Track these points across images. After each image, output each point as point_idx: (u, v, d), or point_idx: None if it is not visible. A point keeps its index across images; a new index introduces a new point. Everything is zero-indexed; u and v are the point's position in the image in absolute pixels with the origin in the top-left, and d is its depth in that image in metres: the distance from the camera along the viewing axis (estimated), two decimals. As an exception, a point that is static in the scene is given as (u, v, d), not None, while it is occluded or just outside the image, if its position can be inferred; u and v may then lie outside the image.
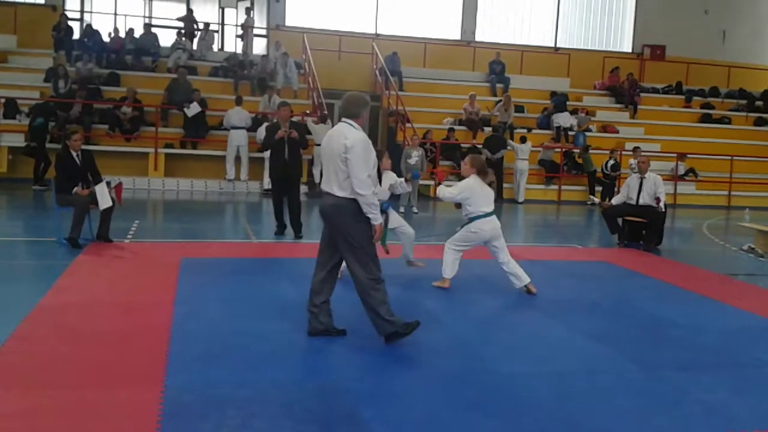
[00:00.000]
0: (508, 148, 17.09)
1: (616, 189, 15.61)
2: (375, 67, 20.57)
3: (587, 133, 19.46)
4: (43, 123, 14.74)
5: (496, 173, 16.38)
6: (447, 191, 7.35)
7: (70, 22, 18.69)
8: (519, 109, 20.01)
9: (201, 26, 20.19)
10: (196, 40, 19.89)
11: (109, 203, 8.71)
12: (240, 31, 20.29)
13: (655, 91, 22.98)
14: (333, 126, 16.48)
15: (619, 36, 24.28)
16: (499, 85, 20.88)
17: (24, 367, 4.66)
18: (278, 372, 4.75)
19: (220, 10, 21.49)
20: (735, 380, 5.04)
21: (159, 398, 4.17)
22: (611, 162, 17.01)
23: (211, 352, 5.06)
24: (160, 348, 5.04)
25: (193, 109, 16.18)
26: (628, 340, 5.93)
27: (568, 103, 20.40)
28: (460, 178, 7.87)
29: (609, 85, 22.41)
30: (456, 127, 18.47)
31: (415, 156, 13.61)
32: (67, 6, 19.96)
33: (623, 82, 21.84)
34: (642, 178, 10.63)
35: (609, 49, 24.00)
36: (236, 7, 21.41)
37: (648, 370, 5.14)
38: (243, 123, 15.99)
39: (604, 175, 17.13)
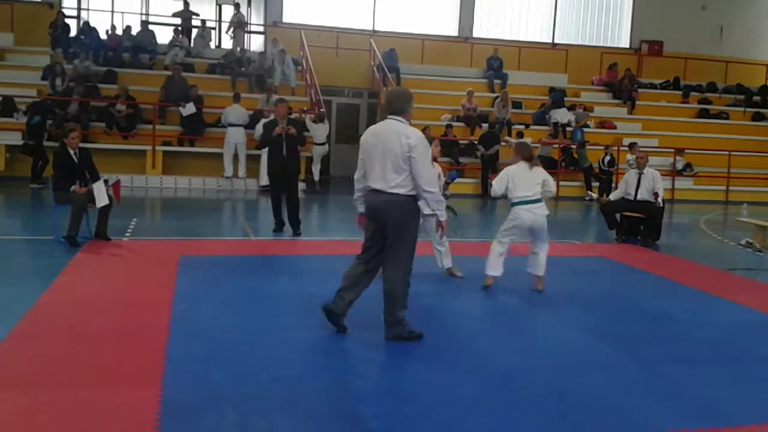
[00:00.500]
0: (503, 144, 17.07)
1: (613, 185, 15.60)
2: (373, 63, 20.55)
3: (585, 129, 19.45)
4: (41, 121, 14.72)
5: (489, 169, 16.59)
6: (493, 187, 7.24)
7: (67, 20, 18.64)
8: (517, 105, 20.00)
9: (198, 22, 20.15)
10: (193, 38, 19.85)
11: (107, 201, 8.70)
12: (230, 28, 20.24)
13: (652, 86, 22.97)
14: (325, 123, 16.44)
15: (617, 31, 24.26)
16: (496, 81, 20.87)
17: (22, 367, 4.66)
18: (277, 370, 4.75)
19: (217, 7, 21.42)
20: (732, 375, 5.05)
21: (158, 397, 4.17)
22: (607, 158, 17.01)
23: (209, 350, 5.07)
24: (158, 346, 5.04)
25: (188, 109, 16.16)
26: (626, 336, 5.94)
27: (565, 98, 20.40)
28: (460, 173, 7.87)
29: (607, 81, 22.41)
30: (454, 124, 18.46)
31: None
32: (64, 3, 19.90)
33: (621, 78, 21.83)
34: (640, 174, 10.64)
35: (606, 44, 23.97)
36: (233, 4, 21.35)
37: (645, 365, 5.15)
38: (241, 120, 15.97)
39: (601, 170, 17.13)
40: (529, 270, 7.23)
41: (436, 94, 20.00)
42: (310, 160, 15.78)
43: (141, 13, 20.55)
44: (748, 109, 22.56)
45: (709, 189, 18.79)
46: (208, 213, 13.13)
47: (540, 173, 7.15)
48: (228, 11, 21.05)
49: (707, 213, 15.61)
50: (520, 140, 7.38)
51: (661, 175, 11.19)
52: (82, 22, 19.24)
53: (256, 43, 21.22)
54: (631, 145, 15.86)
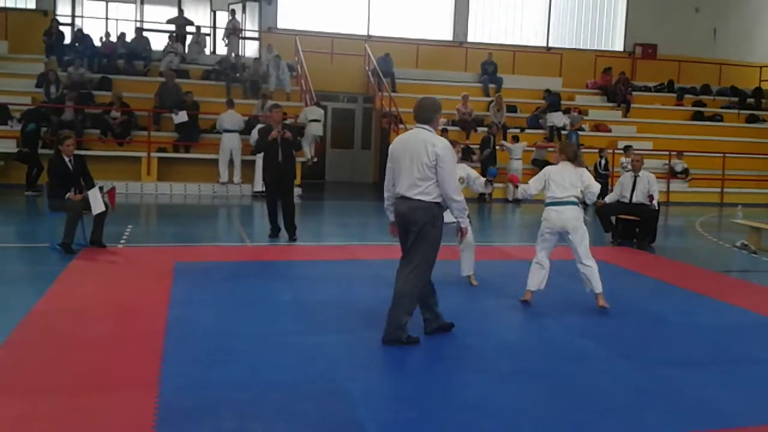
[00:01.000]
0: (498, 147, 17.11)
1: (609, 188, 15.62)
2: (367, 68, 20.57)
3: (580, 132, 19.49)
4: (35, 128, 14.70)
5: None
6: (528, 185, 7.01)
7: (61, 27, 18.63)
8: (511, 108, 20.03)
9: (193, 28, 20.16)
10: (188, 44, 19.86)
11: (102, 208, 8.69)
12: (226, 35, 20.27)
13: (647, 89, 23.04)
14: (320, 108, 16.65)
15: (611, 35, 24.32)
16: (491, 86, 20.91)
17: (18, 373, 4.64)
18: (273, 374, 4.75)
19: (212, 13, 21.45)
20: (728, 377, 5.06)
21: (154, 402, 4.16)
22: (603, 161, 17.04)
23: (205, 355, 5.06)
24: (154, 352, 5.03)
25: (180, 117, 16.17)
26: (622, 338, 5.96)
27: (560, 102, 20.43)
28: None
29: (601, 84, 22.47)
30: (449, 128, 18.47)
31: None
32: (59, 11, 19.91)
33: (616, 81, 21.89)
34: (635, 177, 10.67)
35: (601, 48, 24.04)
36: (228, 10, 21.37)
37: (642, 367, 5.16)
38: (236, 126, 15.97)
39: (598, 174, 17.14)
40: (586, 289, 6.88)
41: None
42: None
43: (135, 20, 20.56)
44: (743, 111, 22.62)
45: (704, 191, 18.83)
46: (203, 219, 13.11)
47: (582, 174, 6.84)
48: (222, 17, 21.07)
49: (702, 215, 15.64)
50: (564, 141, 7.16)
51: (657, 177, 11.22)
52: (75, 30, 19.23)
53: (250, 49, 21.22)
54: (626, 148, 15.88)
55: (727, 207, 17.41)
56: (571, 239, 6.72)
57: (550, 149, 18.58)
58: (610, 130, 20.39)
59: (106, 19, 20.64)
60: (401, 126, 17.45)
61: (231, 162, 15.97)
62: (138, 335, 5.46)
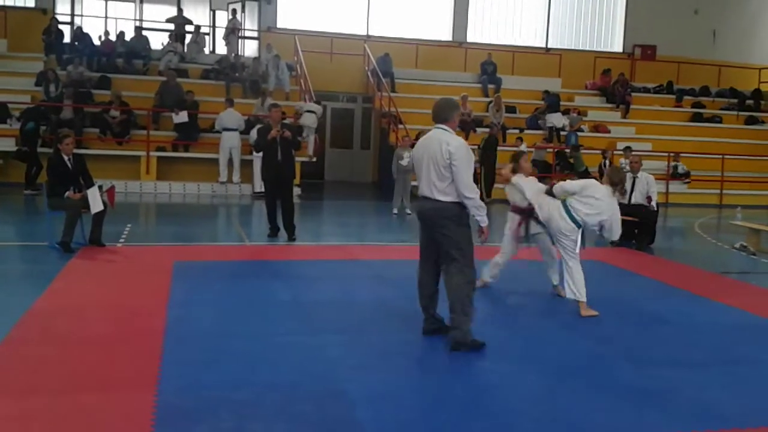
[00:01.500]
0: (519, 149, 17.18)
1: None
2: (367, 68, 20.57)
3: (579, 133, 19.50)
4: (34, 127, 14.69)
5: (489, 173, 16.57)
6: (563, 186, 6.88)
7: (60, 26, 18.61)
8: (511, 109, 20.03)
9: (192, 28, 20.15)
10: (187, 43, 19.85)
11: (101, 207, 8.68)
12: (227, 34, 20.27)
13: (646, 90, 23.05)
14: (320, 104, 16.78)
15: (610, 36, 24.33)
16: (490, 86, 20.91)
17: (16, 372, 4.64)
18: (273, 374, 4.75)
19: (211, 12, 21.45)
20: (727, 377, 5.06)
21: (152, 402, 4.16)
22: (607, 162, 17.03)
23: (204, 355, 5.06)
24: (153, 351, 5.03)
25: (181, 117, 16.18)
26: (621, 338, 5.96)
27: (560, 103, 20.43)
28: None
29: (600, 85, 22.48)
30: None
31: (407, 157, 13.57)
32: (58, 9, 19.89)
33: (614, 82, 21.91)
34: (634, 178, 10.67)
35: (600, 49, 24.04)
36: (227, 10, 21.37)
37: (640, 368, 5.16)
38: (235, 125, 15.95)
39: (602, 174, 17.10)
40: (552, 283, 7.29)
41: (430, 98, 19.79)
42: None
43: (135, 19, 20.54)
44: (741, 113, 22.65)
45: (703, 192, 18.82)
46: (202, 218, 13.11)
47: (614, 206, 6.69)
48: (222, 17, 21.06)
49: (701, 216, 15.65)
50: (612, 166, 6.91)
51: (656, 179, 11.22)
52: (75, 28, 19.21)
53: (250, 49, 21.22)
54: (626, 150, 15.91)
55: (726, 208, 17.41)
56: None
57: (548, 150, 18.61)
58: (609, 131, 20.39)
59: (106, 17, 20.62)
60: (400, 126, 17.46)
61: (230, 161, 15.97)
62: (137, 334, 5.46)
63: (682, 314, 6.83)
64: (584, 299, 6.55)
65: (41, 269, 7.77)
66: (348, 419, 4.11)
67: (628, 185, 10.67)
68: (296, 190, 13.66)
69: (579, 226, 6.59)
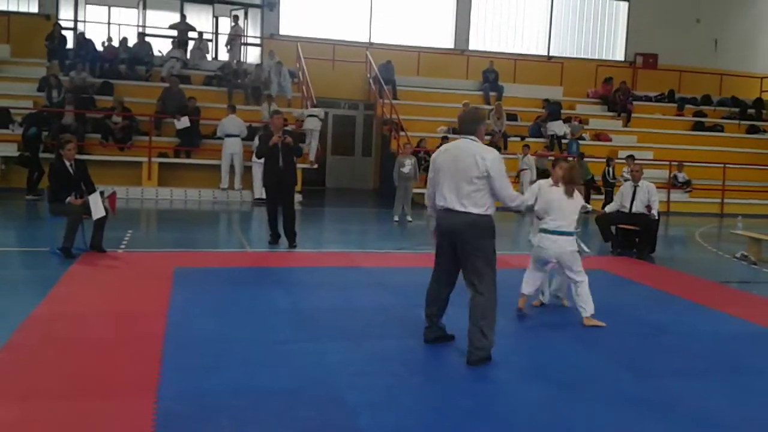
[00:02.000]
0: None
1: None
2: (369, 75, 20.62)
3: (580, 142, 19.52)
4: (37, 132, 14.72)
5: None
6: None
7: (63, 32, 18.67)
8: (512, 117, 20.07)
9: (195, 34, 20.21)
10: (190, 49, 19.91)
11: (103, 213, 8.69)
12: (229, 41, 20.34)
13: (647, 99, 23.08)
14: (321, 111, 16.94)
15: (612, 44, 24.39)
16: (492, 94, 20.95)
17: (17, 377, 4.64)
18: (273, 380, 4.74)
19: (214, 19, 21.51)
20: (728, 387, 5.06)
21: (152, 408, 4.16)
22: (611, 170, 17.03)
23: (204, 361, 5.06)
24: (153, 357, 5.03)
25: (182, 123, 16.22)
26: (622, 348, 5.95)
27: (561, 111, 20.45)
28: None
29: (602, 94, 22.50)
30: (450, 135, 18.46)
31: (408, 164, 13.62)
32: (61, 15, 19.94)
33: (616, 90, 21.93)
34: (635, 186, 10.68)
35: (602, 57, 24.10)
36: (230, 17, 21.45)
37: (641, 378, 5.15)
38: (237, 131, 15.99)
39: (605, 182, 17.11)
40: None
41: (432, 106, 20.06)
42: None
43: (138, 25, 20.60)
44: (743, 122, 22.68)
45: (704, 201, 18.83)
46: (203, 225, 13.11)
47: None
48: (224, 24, 21.13)
49: (702, 225, 15.65)
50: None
51: (657, 187, 11.22)
52: (77, 34, 19.25)
53: (252, 56, 21.27)
54: (628, 158, 15.91)
55: (727, 217, 17.41)
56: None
57: (549, 158, 18.59)
58: (610, 140, 20.42)
59: (109, 23, 20.69)
60: (402, 133, 17.49)
61: (232, 168, 15.99)
62: (137, 340, 5.46)
63: (683, 323, 6.82)
64: (588, 314, 6.55)
65: (42, 275, 7.77)
66: (348, 426, 4.11)
67: (629, 193, 10.71)
68: (297, 197, 13.68)
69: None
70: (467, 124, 5.44)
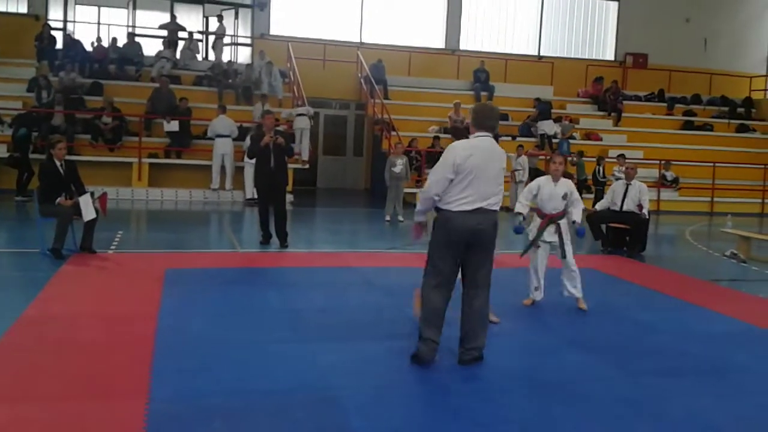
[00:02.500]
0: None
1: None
2: (360, 75, 20.62)
3: (571, 141, 19.58)
4: (26, 133, 14.65)
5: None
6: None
7: (53, 32, 18.59)
8: (503, 116, 20.08)
9: (185, 34, 20.16)
10: (180, 50, 19.86)
11: (93, 215, 8.66)
12: (215, 40, 20.34)
13: (637, 98, 23.18)
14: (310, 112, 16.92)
15: (602, 44, 24.48)
16: (483, 93, 20.99)
17: (7, 379, 4.62)
18: (265, 382, 4.74)
19: (204, 19, 21.46)
20: (718, 386, 5.08)
21: (144, 409, 4.15)
22: (601, 169, 17.08)
23: (196, 362, 5.05)
24: (144, 359, 5.02)
25: (172, 126, 16.19)
26: (612, 347, 5.97)
27: (551, 110, 20.51)
28: None
29: (592, 93, 22.57)
30: (441, 135, 18.53)
31: (399, 164, 13.61)
32: (50, 15, 19.86)
33: (606, 90, 22.00)
34: (627, 185, 10.72)
35: (592, 57, 24.18)
36: (216, 16, 21.42)
37: (631, 376, 5.17)
38: (228, 131, 15.97)
39: (596, 182, 17.16)
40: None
41: (423, 105, 20.09)
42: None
43: (127, 25, 20.53)
44: (732, 121, 22.80)
45: (694, 200, 18.93)
46: (194, 225, 13.08)
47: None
48: (215, 23, 21.08)
49: (692, 224, 15.72)
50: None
51: (647, 186, 11.27)
52: (65, 35, 19.17)
53: (243, 56, 21.23)
54: (620, 157, 15.98)
55: (717, 216, 17.49)
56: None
57: (541, 158, 18.65)
58: (601, 139, 20.49)
59: (98, 24, 20.60)
60: (393, 133, 17.50)
61: (222, 168, 15.97)
62: (128, 342, 5.44)
63: (673, 322, 6.85)
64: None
65: (32, 276, 7.74)
66: (341, 426, 4.11)
67: (620, 192, 10.75)
68: (289, 197, 13.67)
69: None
70: (491, 120, 5.25)
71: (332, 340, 5.74)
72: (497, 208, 5.19)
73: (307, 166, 17.49)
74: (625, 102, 22.15)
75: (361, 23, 22.03)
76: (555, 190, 7.09)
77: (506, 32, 23.57)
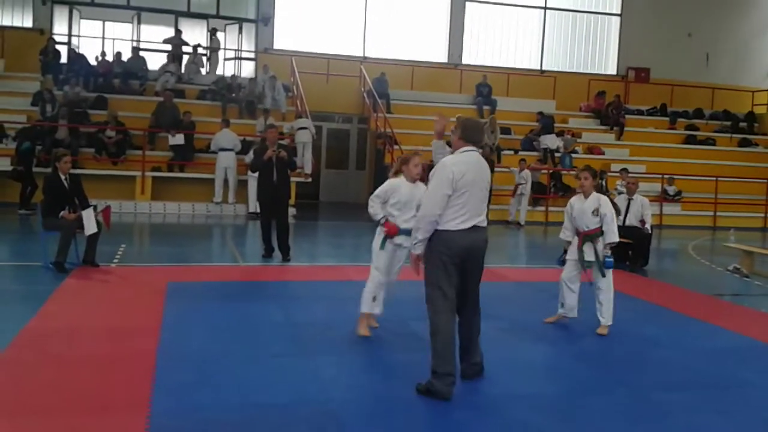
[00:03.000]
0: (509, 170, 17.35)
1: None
2: (363, 89, 20.68)
3: (573, 155, 19.60)
4: (30, 147, 14.71)
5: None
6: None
7: (57, 46, 18.69)
8: (505, 130, 20.13)
9: (189, 49, 20.26)
10: (184, 64, 19.95)
11: (95, 229, 8.69)
12: (210, 54, 20.47)
13: (639, 112, 23.20)
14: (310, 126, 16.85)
15: (604, 58, 24.53)
16: (486, 107, 21.03)
17: (9, 393, 4.62)
18: (266, 396, 4.73)
19: (209, 33, 21.56)
20: (720, 401, 5.06)
21: (145, 423, 4.15)
22: (604, 183, 17.07)
23: (198, 376, 5.04)
24: (146, 373, 5.01)
25: (177, 139, 16.25)
26: (615, 361, 5.96)
27: (554, 125, 20.54)
28: None
29: (594, 108, 22.61)
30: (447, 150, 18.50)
31: (402, 178, 13.60)
32: (55, 30, 19.98)
33: (608, 104, 22.04)
34: (630, 200, 10.72)
35: (594, 71, 24.23)
36: (225, 31, 21.53)
37: (634, 391, 5.16)
38: (231, 145, 16.02)
39: None
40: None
41: (425, 119, 20.05)
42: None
43: (132, 40, 20.64)
44: (735, 135, 22.81)
45: (697, 214, 18.91)
46: (197, 239, 13.10)
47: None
48: (219, 38, 21.18)
49: (695, 239, 15.69)
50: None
51: (650, 200, 11.27)
52: (68, 50, 19.25)
53: (247, 70, 21.32)
54: (622, 171, 15.99)
55: (720, 230, 17.46)
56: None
57: (543, 171, 18.67)
58: (603, 153, 20.49)
59: (103, 38, 20.72)
60: (396, 147, 17.52)
61: (225, 182, 16.00)
62: (130, 355, 5.45)
63: (676, 337, 6.83)
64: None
65: (35, 289, 7.75)
66: (341, 442, 4.10)
67: (623, 206, 10.75)
68: (291, 211, 13.68)
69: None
70: (479, 135, 5.17)
71: (333, 353, 5.74)
72: (486, 224, 5.07)
73: (310, 179, 17.51)
74: (627, 116, 22.17)
75: (364, 38, 22.12)
76: (584, 206, 6.87)
77: (509, 46, 23.64)
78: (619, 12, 24.26)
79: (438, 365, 4.80)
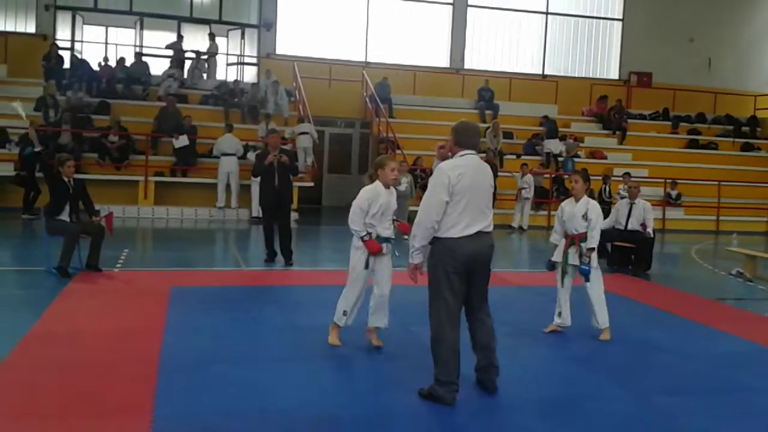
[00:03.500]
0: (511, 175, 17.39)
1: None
2: (365, 94, 20.71)
3: (576, 159, 19.60)
4: (33, 152, 14.74)
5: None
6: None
7: (60, 52, 18.74)
8: (508, 135, 20.14)
9: (192, 54, 20.31)
10: (186, 69, 20.00)
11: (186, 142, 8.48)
12: (208, 58, 20.53)
13: (642, 117, 23.20)
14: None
15: (606, 63, 24.54)
16: (488, 112, 21.05)
17: (13, 397, 4.63)
18: (268, 401, 4.73)
19: (208, 38, 21.61)
20: (723, 405, 5.05)
21: (148, 428, 4.15)
22: (607, 188, 17.08)
23: (200, 381, 5.05)
24: (149, 377, 5.02)
25: (181, 141, 16.28)
26: (617, 366, 5.95)
27: (557, 129, 20.55)
28: None
29: (596, 112, 22.62)
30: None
31: (404, 182, 13.65)
32: (58, 35, 20.03)
33: (610, 109, 22.05)
34: (632, 204, 10.73)
35: (596, 76, 24.24)
36: (227, 36, 21.58)
37: (636, 396, 5.15)
38: (233, 150, 16.04)
39: (602, 201, 17.13)
40: None
41: (428, 124, 20.13)
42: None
43: (135, 45, 20.68)
44: (737, 140, 22.80)
45: (700, 219, 18.89)
46: (199, 243, 13.11)
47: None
48: (221, 43, 21.24)
49: (698, 243, 15.68)
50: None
51: (652, 205, 11.26)
52: (71, 56, 19.30)
53: (249, 75, 21.36)
54: (625, 175, 15.98)
55: (723, 235, 17.45)
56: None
57: (546, 176, 18.67)
58: (605, 158, 20.50)
59: (106, 43, 20.77)
60: (398, 152, 17.53)
61: (228, 186, 16.02)
62: (133, 360, 5.45)
63: (679, 341, 6.83)
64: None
65: (38, 294, 7.76)
66: (343, 446, 4.10)
67: (625, 211, 10.75)
68: (294, 215, 13.69)
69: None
70: (475, 138, 5.03)
71: (335, 358, 5.75)
72: (491, 229, 4.96)
73: (312, 184, 17.54)
74: (629, 120, 22.18)
75: (367, 43, 22.15)
76: (574, 210, 6.84)
77: (510, 51, 23.66)
78: (620, 17, 24.27)
79: (441, 374, 4.77)
